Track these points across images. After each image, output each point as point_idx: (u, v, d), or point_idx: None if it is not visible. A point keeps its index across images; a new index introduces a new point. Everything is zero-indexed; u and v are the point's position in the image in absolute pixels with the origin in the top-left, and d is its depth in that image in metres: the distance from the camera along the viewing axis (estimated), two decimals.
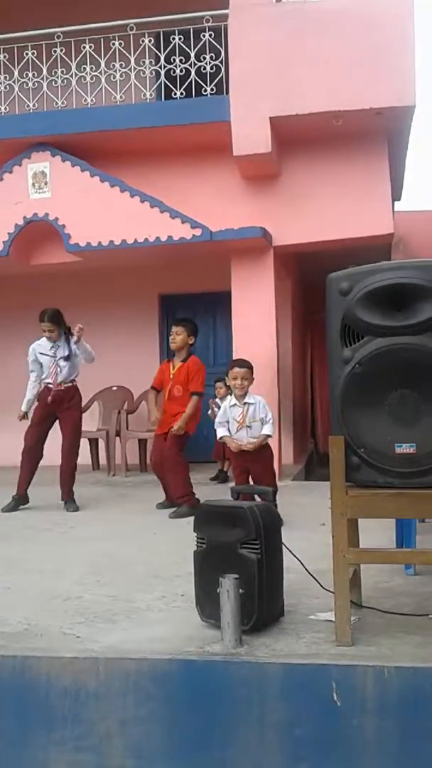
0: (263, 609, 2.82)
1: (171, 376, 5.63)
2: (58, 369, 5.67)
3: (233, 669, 2.55)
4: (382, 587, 3.38)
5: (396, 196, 8.57)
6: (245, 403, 4.98)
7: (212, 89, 7.00)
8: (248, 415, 4.95)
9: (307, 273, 9.53)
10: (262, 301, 7.13)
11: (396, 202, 8.78)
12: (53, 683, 2.63)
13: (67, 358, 5.69)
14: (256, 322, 7.10)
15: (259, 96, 6.54)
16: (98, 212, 6.93)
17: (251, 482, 4.94)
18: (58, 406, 5.71)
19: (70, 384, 5.75)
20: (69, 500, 5.73)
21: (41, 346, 5.75)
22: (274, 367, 7.12)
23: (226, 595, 2.67)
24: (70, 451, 5.75)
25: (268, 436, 4.96)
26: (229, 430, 5.00)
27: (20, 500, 5.74)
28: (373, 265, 2.71)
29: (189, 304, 8.75)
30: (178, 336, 5.66)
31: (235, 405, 5.01)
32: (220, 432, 5.04)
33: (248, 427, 4.93)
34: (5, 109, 7.43)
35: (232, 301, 7.19)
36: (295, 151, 6.99)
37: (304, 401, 11.04)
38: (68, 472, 5.76)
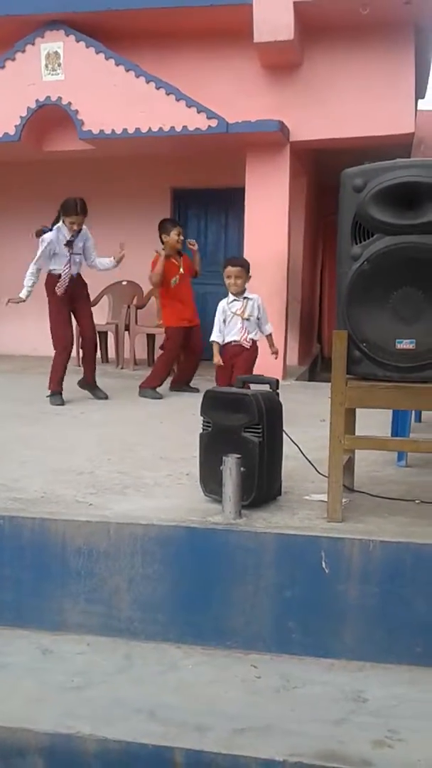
0: (262, 487, 3.05)
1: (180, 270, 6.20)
2: (74, 261, 5.71)
3: (232, 536, 2.80)
4: (373, 476, 3.61)
5: (420, 93, 8.26)
6: (245, 298, 5.32)
7: None
8: (247, 309, 5.31)
9: (322, 172, 9.32)
10: (276, 199, 7.05)
11: (420, 101, 8.48)
12: (68, 543, 2.89)
13: (81, 251, 5.77)
14: (269, 220, 7.05)
15: None
16: (112, 97, 6.74)
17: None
18: (73, 297, 5.81)
19: (77, 275, 5.85)
20: (96, 385, 5.95)
21: (60, 239, 5.65)
22: (284, 268, 7.13)
23: (228, 471, 2.89)
24: (94, 339, 6.02)
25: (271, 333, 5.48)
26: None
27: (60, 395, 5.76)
28: (387, 162, 2.74)
29: (202, 199, 8.64)
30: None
31: (234, 300, 5.33)
32: (213, 335, 5.35)
33: (247, 320, 5.30)
34: None
35: (246, 197, 7.11)
36: (317, 40, 6.71)
37: (312, 305, 11.05)
38: (94, 358, 5.98)
